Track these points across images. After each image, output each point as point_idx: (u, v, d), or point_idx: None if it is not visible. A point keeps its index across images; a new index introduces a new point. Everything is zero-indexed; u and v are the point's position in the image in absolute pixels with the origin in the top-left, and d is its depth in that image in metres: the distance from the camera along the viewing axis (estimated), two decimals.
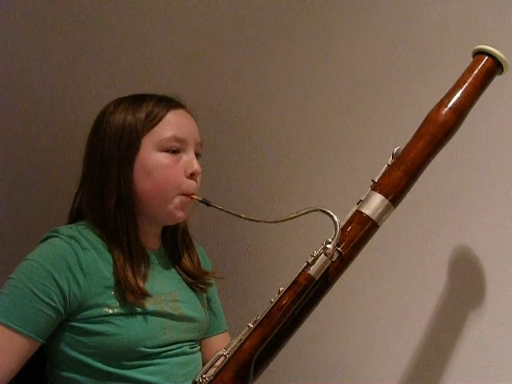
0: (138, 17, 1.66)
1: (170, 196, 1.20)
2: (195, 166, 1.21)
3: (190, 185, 1.21)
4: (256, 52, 1.62)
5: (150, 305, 1.17)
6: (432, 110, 1.15)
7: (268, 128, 1.62)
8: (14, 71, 1.63)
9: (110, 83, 1.64)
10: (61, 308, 1.11)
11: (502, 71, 1.16)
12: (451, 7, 1.37)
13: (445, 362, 1.36)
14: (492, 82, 1.16)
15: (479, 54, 1.16)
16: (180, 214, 1.22)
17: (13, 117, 1.61)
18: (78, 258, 1.14)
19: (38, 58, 1.64)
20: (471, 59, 1.17)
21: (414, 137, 1.15)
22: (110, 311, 1.14)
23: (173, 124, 1.21)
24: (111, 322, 1.13)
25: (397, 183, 1.12)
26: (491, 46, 1.15)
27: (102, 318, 1.13)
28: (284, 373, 1.54)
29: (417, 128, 1.15)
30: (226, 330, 1.39)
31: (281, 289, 1.08)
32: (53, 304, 1.10)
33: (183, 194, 1.20)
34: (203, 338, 1.32)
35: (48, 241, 1.16)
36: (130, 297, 1.14)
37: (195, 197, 1.21)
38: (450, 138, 1.14)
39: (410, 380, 1.41)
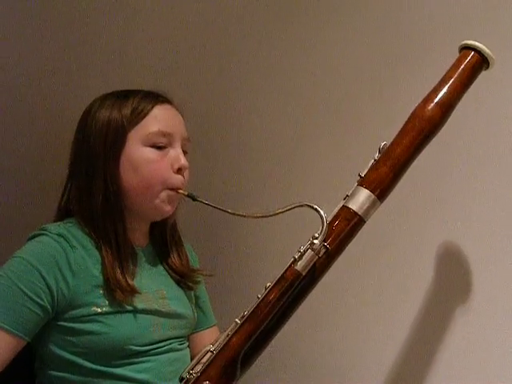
0: (126, 13, 1.66)
1: (157, 191, 1.19)
2: (182, 160, 1.21)
3: (177, 179, 1.20)
4: (244, 47, 1.61)
5: (138, 303, 1.17)
6: (418, 105, 1.15)
7: (255, 123, 1.61)
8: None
9: (97, 79, 1.64)
10: (48, 306, 1.10)
11: (488, 67, 1.16)
12: (438, 2, 1.37)
13: (434, 363, 1.36)
14: (478, 78, 1.16)
15: (465, 49, 1.16)
16: (167, 208, 1.22)
17: None
18: (67, 256, 1.13)
19: (24, 54, 1.64)
20: (458, 54, 1.17)
21: (401, 132, 1.15)
22: (99, 310, 1.13)
23: (159, 119, 1.20)
24: (100, 321, 1.13)
25: (383, 178, 1.12)
26: (478, 42, 1.14)
27: (91, 317, 1.12)
28: (271, 369, 1.53)
29: (403, 123, 1.15)
30: (214, 325, 1.38)
31: (268, 284, 1.09)
32: (41, 302, 1.09)
33: (170, 189, 1.20)
34: (192, 333, 1.32)
35: (36, 239, 1.15)
36: (119, 295, 1.13)
37: (181, 191, 1.20)
38: (436, 134, 1.14)
39: (398, 379, 1.41)
